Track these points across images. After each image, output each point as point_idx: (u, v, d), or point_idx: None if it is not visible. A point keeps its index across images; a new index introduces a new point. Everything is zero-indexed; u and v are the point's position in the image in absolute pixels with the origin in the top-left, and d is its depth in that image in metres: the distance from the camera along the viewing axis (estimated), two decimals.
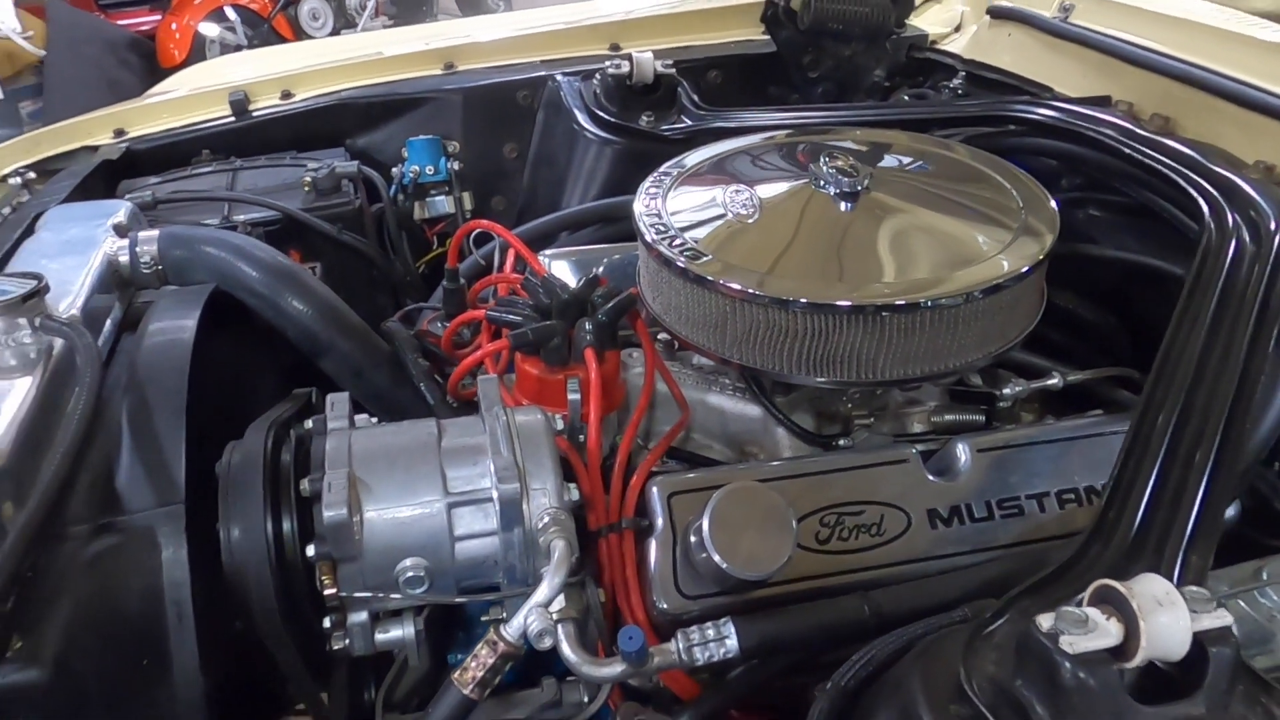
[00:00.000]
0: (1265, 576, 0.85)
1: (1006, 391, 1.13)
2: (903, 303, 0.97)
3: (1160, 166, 1.15)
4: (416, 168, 1.69)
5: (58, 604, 0.79)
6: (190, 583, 0.83)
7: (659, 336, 1.19)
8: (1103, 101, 1.39)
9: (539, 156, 1.78)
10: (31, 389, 0.89)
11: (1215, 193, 1.08)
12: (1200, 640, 0.59)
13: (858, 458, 1.00)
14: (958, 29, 1.87)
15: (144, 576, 0.83)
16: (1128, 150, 1.19)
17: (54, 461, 0.83)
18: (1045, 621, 0.60)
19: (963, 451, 0.99)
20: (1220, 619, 0.60)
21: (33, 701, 0.75)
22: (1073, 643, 0.58)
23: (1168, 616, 0.58)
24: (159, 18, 5.68)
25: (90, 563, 0.83)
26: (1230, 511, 0.98)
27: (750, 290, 0.99)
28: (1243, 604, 0.83)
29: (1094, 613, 0.60)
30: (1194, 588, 0.61)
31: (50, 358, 0.93)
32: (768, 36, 1.84)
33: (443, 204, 1.73)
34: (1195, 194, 1.09)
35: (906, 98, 1.70)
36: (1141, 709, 0.58)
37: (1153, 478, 0.80)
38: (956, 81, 1.68)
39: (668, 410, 1.15)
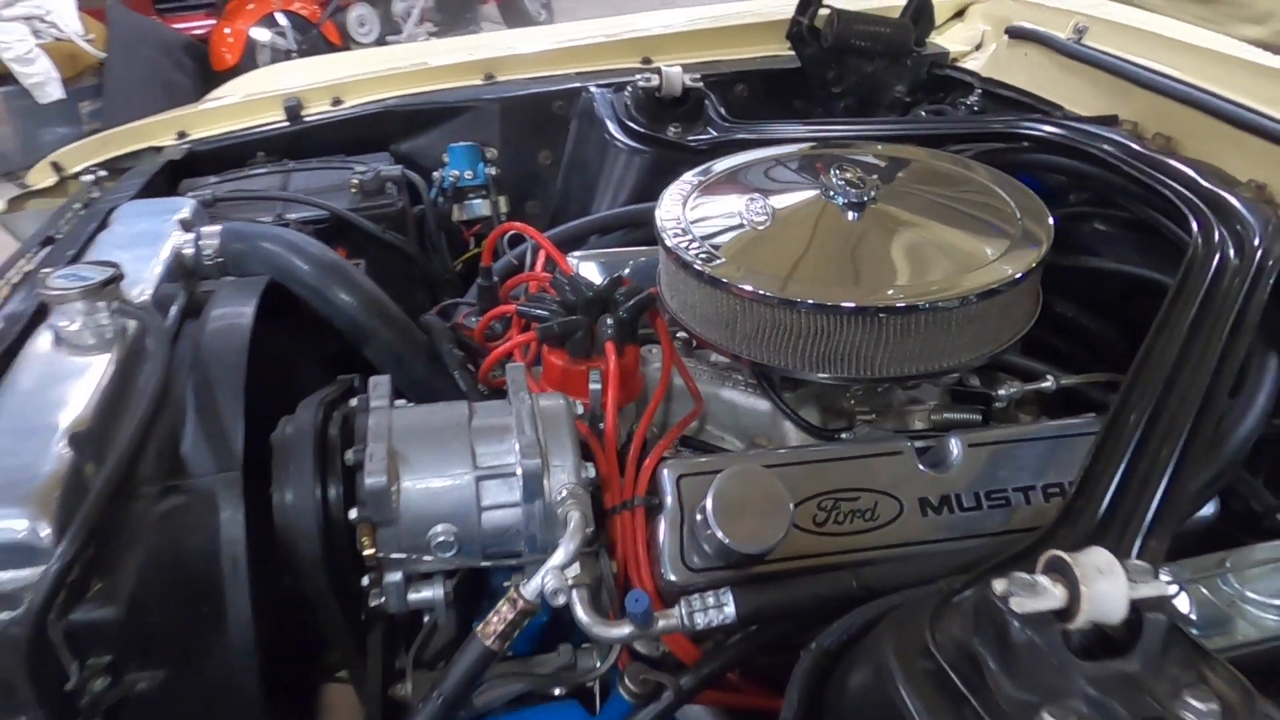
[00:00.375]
0: (1228, 565, 0.91)
1: (1002, 392, 1.20)
2: (902, 305, 1.05)
3: (1153, 182, 1.21)
4: (456, 172, 1.79)
5: (130, 554, 0.89)
6: (245, 541, 0.93)
7: (677, 335, 1.27)
8: (1110, 121, 1.45)
9: (572, 163, 1.87)
10: (109, 365, 0.99)
11: (1205, 208, 1.14)
12: (1138, 606, 0.67)
13: (855, 448, 1.07)
14: (978, 47, 1.94)
15: (205, 534, 0.93)
16: (1125, 167, 1.26)
17: (128, 430, 0.93)
18: (999, 585, 0.67)
19: (955, 446, 1.06)
20: (1158, 589, 0.67)
21: (108, 637, 0.85)
22: (1021, 604, 0.66)
23: (1107, 584, 0.66)
24: (213, 22, 5.89)
25: (159, 519, 0.92)
26: (1209, 510, 1.05)
27: (760, 291, 1.07)
28: (1204, 590, 0.89)
29: (1043, 579, 0.67)
30: (1136, 561, 0.69)
31: (125, 338, 1.04)
32: (793, 52, 1.92)
33: (480, 207, 1.83)
34: (1185, 209, 1.16)
35: (924, 113, 1.77)
36: (1081, 664, 0.65)
37: (1120, 470, 0.87)
38: (973, 98, 1.74)
39: (684, 403, 1.23)
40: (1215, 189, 1.17)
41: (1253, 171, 1.25)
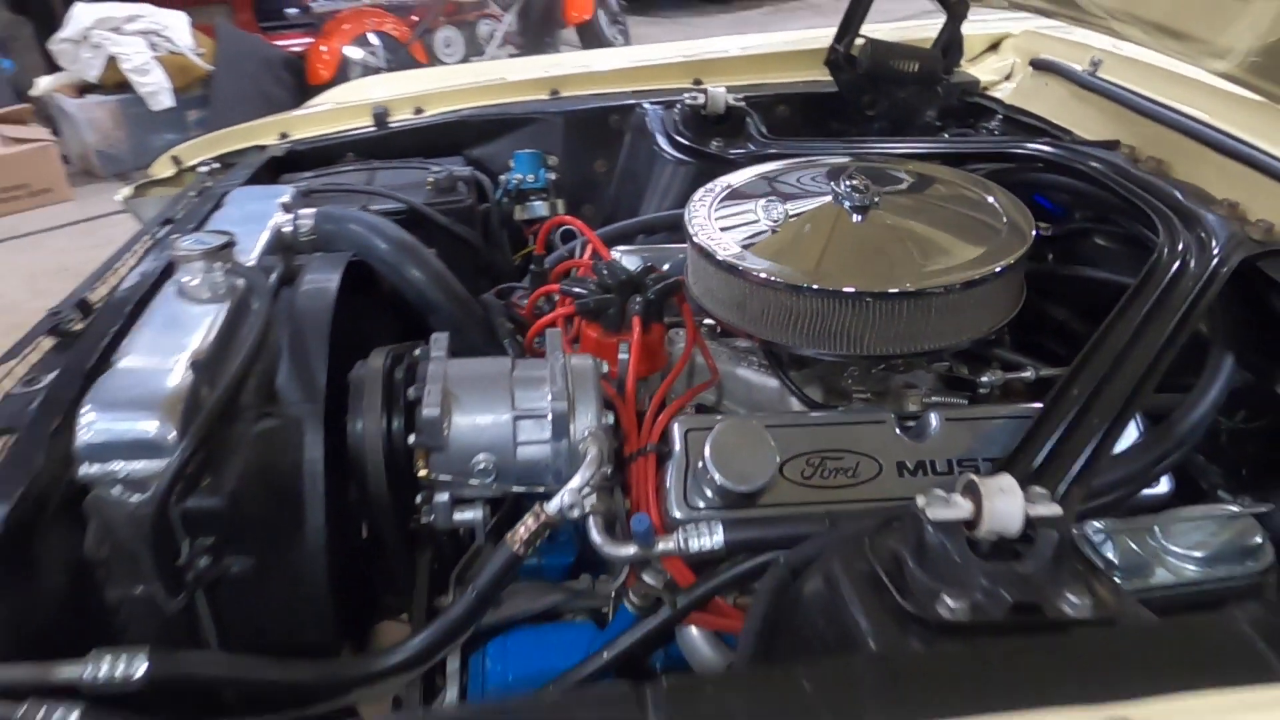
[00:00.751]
0: (1157, 523, 1.04)
1: (985, 379, 1.34)
2: (891, 291, 1.20)
3: (1133, 196, 1.35)
4: (520, 176, 1.98)
5: (232, 461, 1.09)
6: (323, 460, 1.13)
7: (704, 322, 1.45)
8: (1111, 145, 1.58)
9: (624, 172, 2.06)
10: (221, 313, 1.20)
11: (1174, 217, 1.28)
12: (1033, 521, 0.81)
13: (844, 416, 1.23)
14: (1008, 77, 2.08)
15: (291, 451, 1.13)
16: (1111, 183, 1.40)
17: (234, 364, 1.14)
18: (921, 500, 0.83)
19: (934, 419, 1.21)
20: (1051, 510, 0.82)
21: (212, 523, 1.05)
22: (935, 513, 0.81)
23: (1005, 501, 0.81)
24: (311, 40, 6.30)
25: (255, 437, 1.13)
26: (1165, 488, 1.17)
27: (767, 277, 1.24)
28: (1130, 541, 1.02)
29: (956, 496, 0.83)
30: (1037, 487, 0.83)
31: (235, 293, 1.25)
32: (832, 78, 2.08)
33: (540, 208, 2.01)
34: (1157, 218, 1.29)
35: (946, 135, 1.91)
36: (980, 562, 0.80)
37: (1058, 432, 1.02)
38: (994, 124, 1.89)
39: (704, 379, 1.40)
40: (1186, 203, 1.30)
41: (1231, 192, 1.37)
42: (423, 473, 1.13)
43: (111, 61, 5.35)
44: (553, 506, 1.05)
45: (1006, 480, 0.82)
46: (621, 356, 1.32)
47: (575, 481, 1.05)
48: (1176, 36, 1.26)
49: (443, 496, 1.15)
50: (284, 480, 1.12)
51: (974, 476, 0.83)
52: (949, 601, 0.77)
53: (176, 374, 1.08)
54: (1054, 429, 1.02)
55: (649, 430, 1.23)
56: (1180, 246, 1.24)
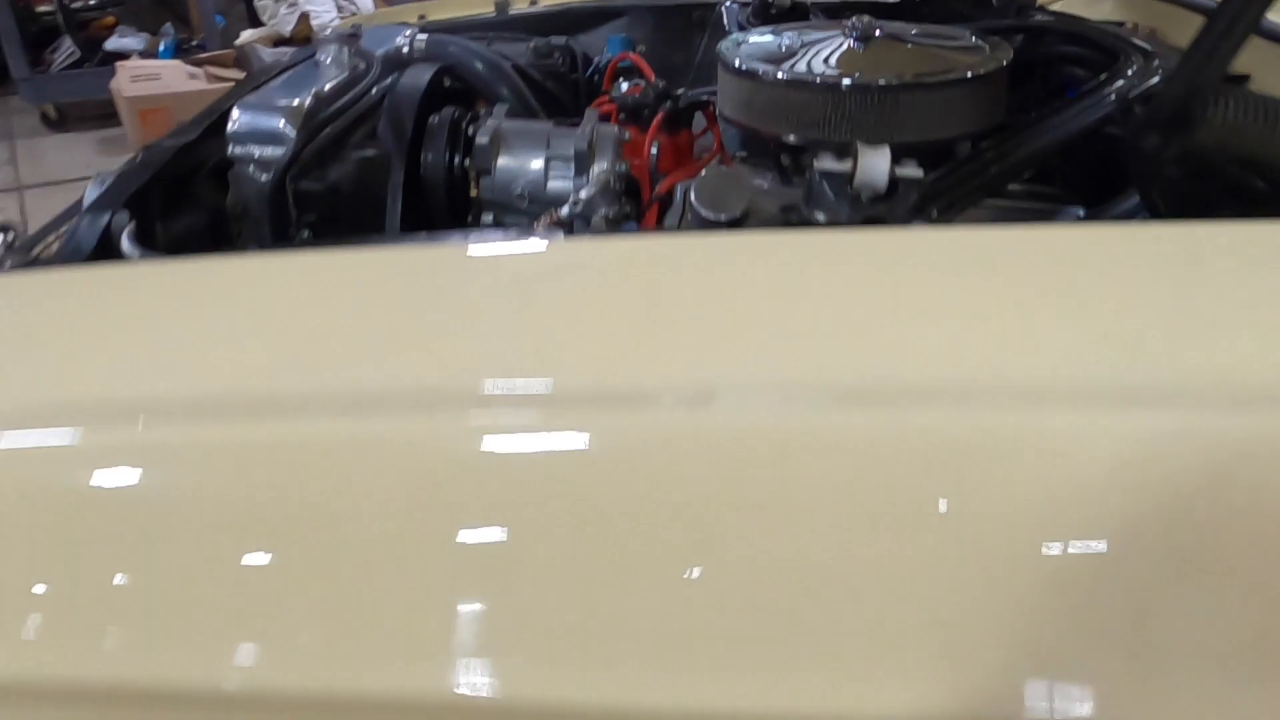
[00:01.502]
0: None
1: None
2: (869, 84, 1.44)
3: (1109, 45, 1.54)
4: (610, 56, 2.31)
5: (335, 168, 1.45)
6: (402, 183, 1.47)
7: (737, 155, 1.72)
8: (1118, 24, 1.76)
9: (701, 64, 2.35)
10: (342, 75, 1.57)
11: (1135, 53, 1.47)
12: (897, 181, 1.06)
13: None
14: None
15: (380, 172, 1.48)
16: (1094, 35, 1.59)
17: (344, 104, 1.50)
18: (816, 160, 1.09)
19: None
20: (914, 172, 1.06)
21: (315, 203, 1.41)
22: (821, 165, 1.07)
23: (875, 159, 1.05)
24: None
25: (356, 160, 1.49)
26: None
27: (768, 77, 1.50)
28: None
29: (825, 155, 1.08)
30: (908, 159, 1.07)
31: (356, 70, 1.62)
32: None
33: (623, 87, 2.33)
34: (1122, 56, 1.49)
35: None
36: (852, 200, 1.05)
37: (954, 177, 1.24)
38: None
39: None
40: (1152, 47, 1.49)
41: None
42: (474, 193, 1.45)
43: (303, 18, 6.06)
44: (565, 209, 1.35)
45: (882, 148, 1.07)
46: (652, 152, 1.61)
47: (584, 193, 1.35)
48: None
49: (488, 217, 1.47)
50: (372, 190, 1.47)
51: (859, 142, 1.08)
52: (818, 216, 1.03)
53: (303, 97, 1.45)
54: (952, 175, 1.25)
55: (660, 190, 1.51)
56: (1131, 71, 1.43)
